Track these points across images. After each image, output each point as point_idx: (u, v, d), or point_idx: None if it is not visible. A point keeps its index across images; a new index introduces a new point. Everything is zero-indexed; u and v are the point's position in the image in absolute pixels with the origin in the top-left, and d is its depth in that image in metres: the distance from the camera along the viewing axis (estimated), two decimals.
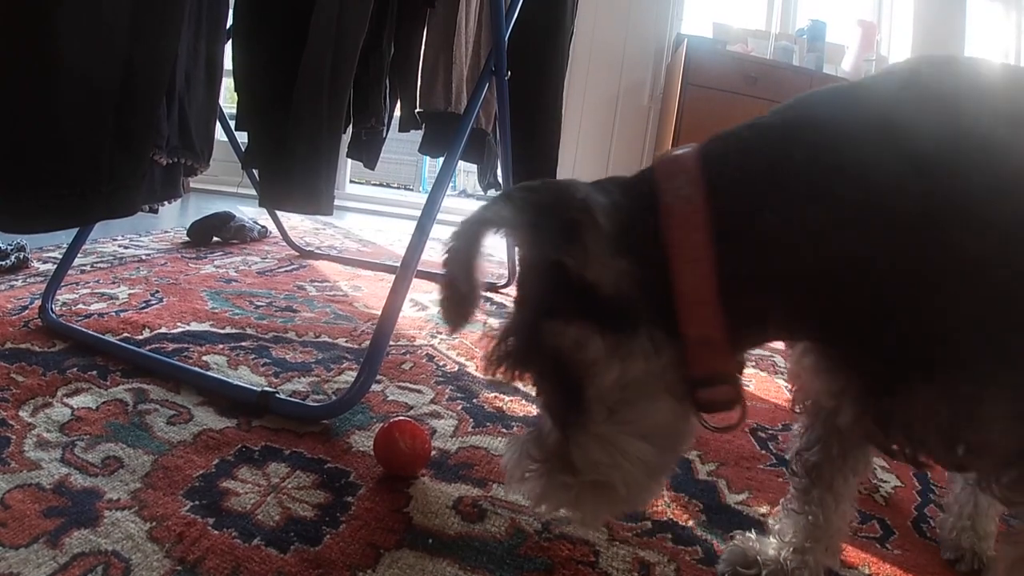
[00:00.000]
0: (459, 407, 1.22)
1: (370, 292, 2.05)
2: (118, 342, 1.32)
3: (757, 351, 1.79)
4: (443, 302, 0.56)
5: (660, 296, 0.52)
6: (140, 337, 1.40)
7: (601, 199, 0.53)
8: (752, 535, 0.83)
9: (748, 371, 1.62)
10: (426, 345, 1.57)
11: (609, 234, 0.52)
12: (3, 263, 1.82)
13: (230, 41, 1.39)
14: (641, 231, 0.53)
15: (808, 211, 0.49)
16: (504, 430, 1.14)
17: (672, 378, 0.55)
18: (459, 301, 0.54)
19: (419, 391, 1.29)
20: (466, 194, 6.34)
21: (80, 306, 1.57)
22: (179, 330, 1.47)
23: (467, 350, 1.55)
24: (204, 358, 1.32)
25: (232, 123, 1.73)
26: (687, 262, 0.51)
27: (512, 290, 2.02)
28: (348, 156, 2.23)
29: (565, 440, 0.58)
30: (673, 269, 0.51)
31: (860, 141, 0.49)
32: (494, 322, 0.59)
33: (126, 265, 2.06)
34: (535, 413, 0.73)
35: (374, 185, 5.87)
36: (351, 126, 1.94)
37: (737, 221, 0.51)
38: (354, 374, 1.20)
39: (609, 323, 0.53)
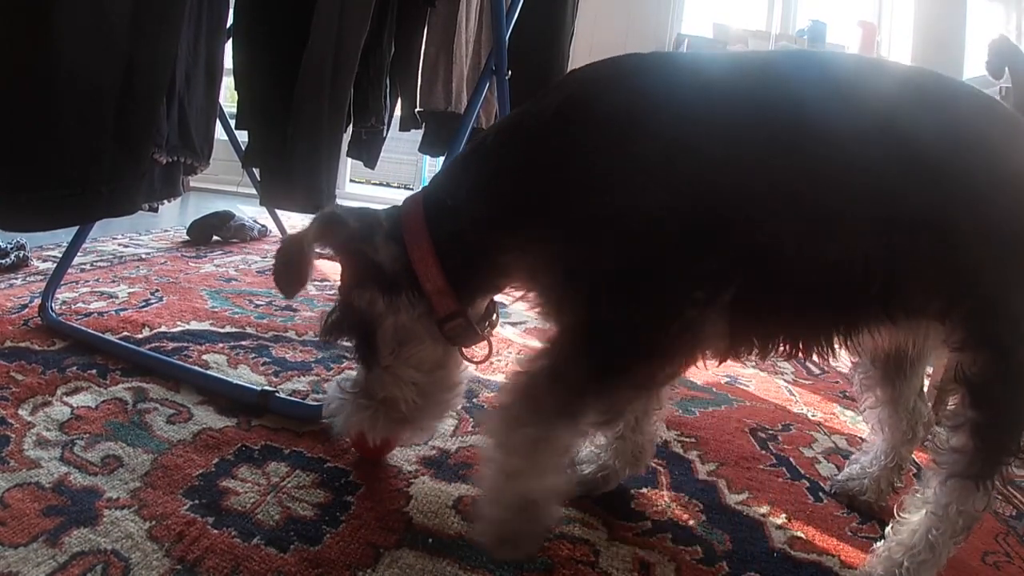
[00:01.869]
0: (459, 407, 1.22)
1: None
2: (118, 341, 1.32)
3: None
4: (279, 277, 0.82)
5: (412, 269, 0.80)
6: (140, 336, 1.40)
7: (382, 212, 0.85)
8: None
9: (748, 371, 1.62)
10: None
11: (387, 230, 0.82)
12: (3, 262, 1.81)
13: (230, 40, 1.39)
14: (400, 231, 0.82)
15: (447, 228, 0.81)
16: None
17: (427, 322, 0.83)
18: (292, 277, 0.81)
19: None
20: None
21: (80, 305, 1.57)
22: (179, 329, 1.47)
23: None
24: (204, 357, 1.32)
25: (232, 122, 1.73)
26: (415, 246, 0.80)
27: None
28: (348, 155, 2.22)
29: (365, 377, 0.87)
30: (409, 250, 0.81)
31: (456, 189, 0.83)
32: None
33: (126, 264, 2.06)
34: None
35: (374, 184, 5.86)
36: (351, 125, 1.93)
37: (439, 230, 0.81)
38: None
39: (387, 288, 0.82)
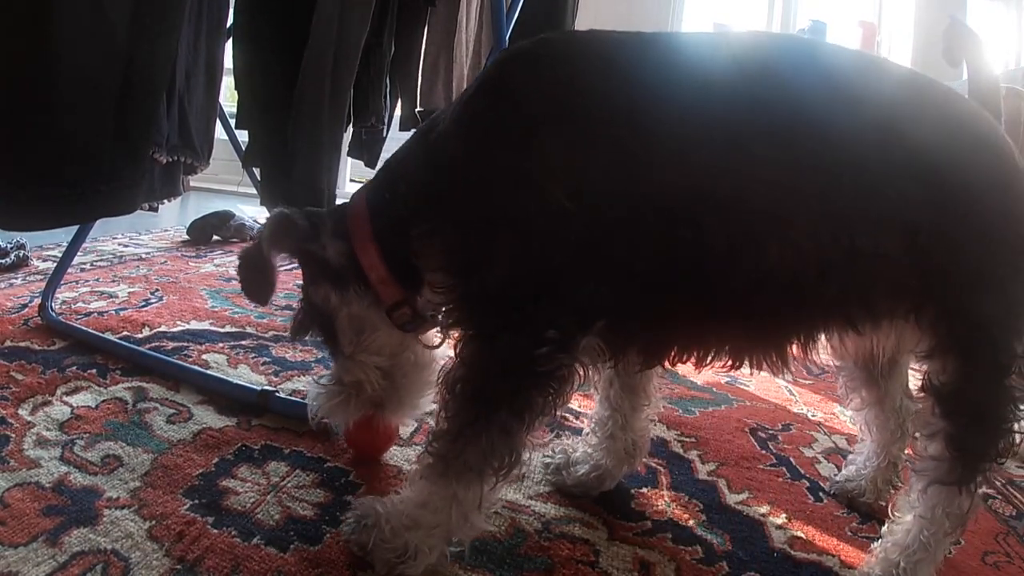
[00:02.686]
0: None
1: None
2: (118, 340, 1.32)
3: None
4: (248, 287, 0.87)
5: (358, 264, 0.82)
6: (140, 336, 1.39)
7: (326, 211, 0.87)
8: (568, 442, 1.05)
9: (748, 371, 1.62)
10: None
11: (332, 228, 0.83)
12: (3, 261, 1.81)
13: (230, 40, 1.39)
14: (345, 227, 0.83)
15: (386, 220, 0.81)
16: None
17: (376, 311, 0.85)
18: (261, 283, 0.86)
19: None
20: None
21: (80, 304, 1.57)
22: (179, 329, 1.47)
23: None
24: (204, 357, 1.32)
25: (232, 122, 1.73)
26: (359, 239, 0.82)
27: None
28: (349, 155, 2.22)
29: (335, 366, 0.90)
30: (353, 244, 0.82)
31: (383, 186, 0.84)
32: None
33: (126, 263, 2.06)
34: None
35: None
36: (352, 125, 1.93)
37: (379, 222, 0.81)
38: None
39: (338, 283, 0.85)
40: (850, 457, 1.11)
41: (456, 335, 0.76)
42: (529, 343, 0.70)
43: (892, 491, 1.01)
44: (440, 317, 0.80)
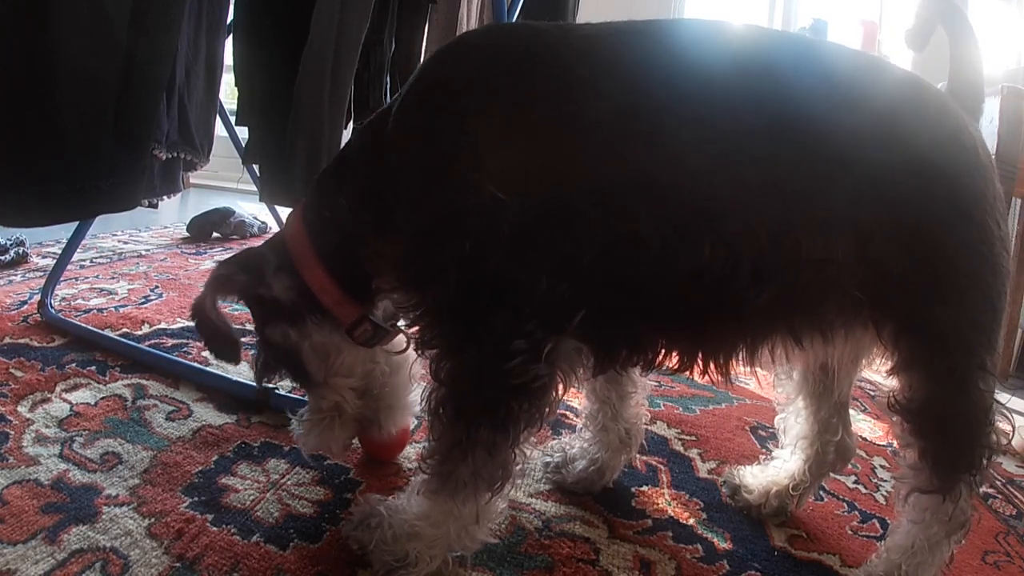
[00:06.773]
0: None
1: None
2: (117, 338, 1.32)
3: None
4: (216, 349, 0.84)
5: (308, 290, 0.81)
6: (139, 333, 1.39)
7: (266, 246, 0.86)
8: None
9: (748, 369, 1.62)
10: None
11: (275, 264, 0.82)
12: (2, 258, 1.81)
13: (230, 36, 1.39)
14: (288, 256, 0.82)
15: (330, 239, 0.80)
16: None
17: (338, 334, 0.83)
18: (223, 342, 0.83)
19: (420, 388, 1.28)
20: None
21: (79, 301, 1.57)
22: (178, 326, 1.47)
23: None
24: (203, 354, 1.31)
25: (232, 119, 1.73)
26: (305, 267, 0.81)
27: None
28: None
29: (310, 396, 0.89)
30: (300, 272, 0.81)
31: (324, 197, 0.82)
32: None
33: (125, 260, 2.06)
34: None
35: None
36: (352, 122, 1.93)
37: (322, 243, 0.80)
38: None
39: (292, 318, 0.83)
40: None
41: (428, 353, 0.72)
42: (498, 356, 0.66)
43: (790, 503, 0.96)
44: (412, 339, 0.78)
